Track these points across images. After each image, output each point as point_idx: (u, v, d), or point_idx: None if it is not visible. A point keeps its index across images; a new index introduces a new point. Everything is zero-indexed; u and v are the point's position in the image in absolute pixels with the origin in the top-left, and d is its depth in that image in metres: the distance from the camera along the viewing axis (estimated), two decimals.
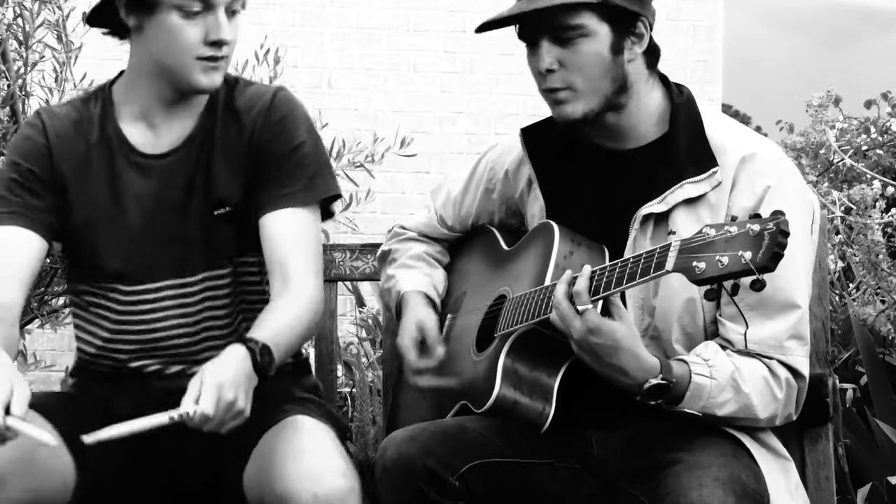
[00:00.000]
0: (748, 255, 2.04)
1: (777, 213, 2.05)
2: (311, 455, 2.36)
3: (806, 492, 2.58)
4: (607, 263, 2.32)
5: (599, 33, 2.42)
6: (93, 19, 2.60)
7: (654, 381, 2.29)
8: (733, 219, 2.11)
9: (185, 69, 2.50)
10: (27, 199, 2.57)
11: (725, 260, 2.06)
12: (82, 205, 2.60)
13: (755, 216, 2.07)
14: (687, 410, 2.33)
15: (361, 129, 5.13)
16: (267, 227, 2.55)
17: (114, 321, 2.64)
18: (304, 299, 2.49)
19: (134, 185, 2.59)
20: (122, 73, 2.66)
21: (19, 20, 3.90)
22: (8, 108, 3.92)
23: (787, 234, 2.03)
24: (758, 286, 2.05)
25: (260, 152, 2.58)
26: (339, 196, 2.67)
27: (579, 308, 2.27)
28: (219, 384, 2.23)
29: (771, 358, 2.38)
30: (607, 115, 2.47)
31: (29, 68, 3.94)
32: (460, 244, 2.88)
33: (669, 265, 2.13)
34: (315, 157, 2.61)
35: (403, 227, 2.91)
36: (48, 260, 3.56)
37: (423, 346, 2.68)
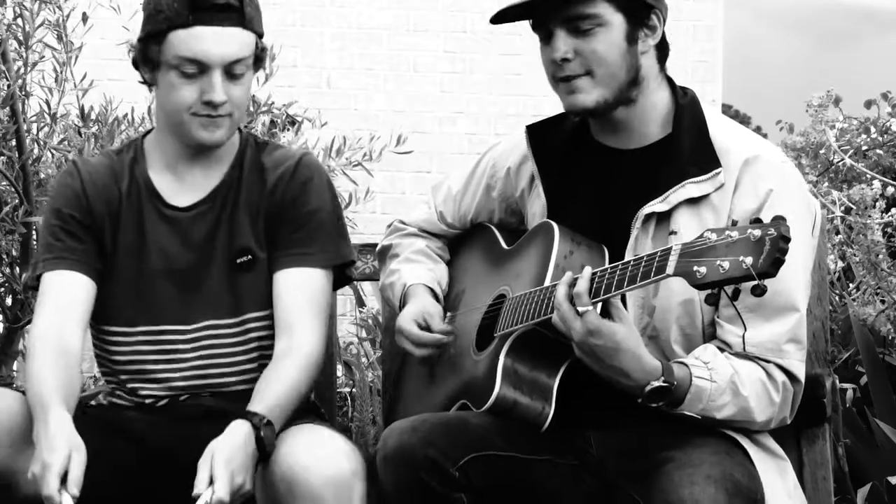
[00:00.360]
0: (749, 260, 2.03)
1: (778, 219, 2.05)
2: (317, 441, 2.44)
3: (804, 492, 2.58)
4: (608, 265, 2.31)
5: (614, 23, 2.43)
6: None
7: (656, 384, 2.29)
8: (734, 223, 2.10)
9: (184, 124, 2.59)
10: (71, 243, 2.65)
11: (726, 265, 2.06)
12: (111, 251, 2.68)
13: (756, 221, 2.07)
14: (687, 413, 2.33)
15: (362, 129, 5.13)
16: (278, 284, 2.65)
17: (125, 362, 2.69)
18: (305, 360, 2.58)
19: (160, 234, 2.67)
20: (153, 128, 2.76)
21: (19, 20, 3.90)
22: (8, 108, 3.92)
23: (788, 240, 2.03)
24: (758, 291, 2.05)
25: (281, 210, 2.67)
26: (353, 262, 2.76)
27: (579, 309, 2.27)
28: (231, 470, 2.33)
29: (768, 361, 2.38)
30: (618, 109, 2.48)
31: (29, 68, 3.94)
32: (459, 241, 2.88)
33: (670, 269, 2.13)
34: (333, 223, 2.70)
35: (403, 223, 2.91)
36: None
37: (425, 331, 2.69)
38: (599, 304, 2.28)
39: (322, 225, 2.67)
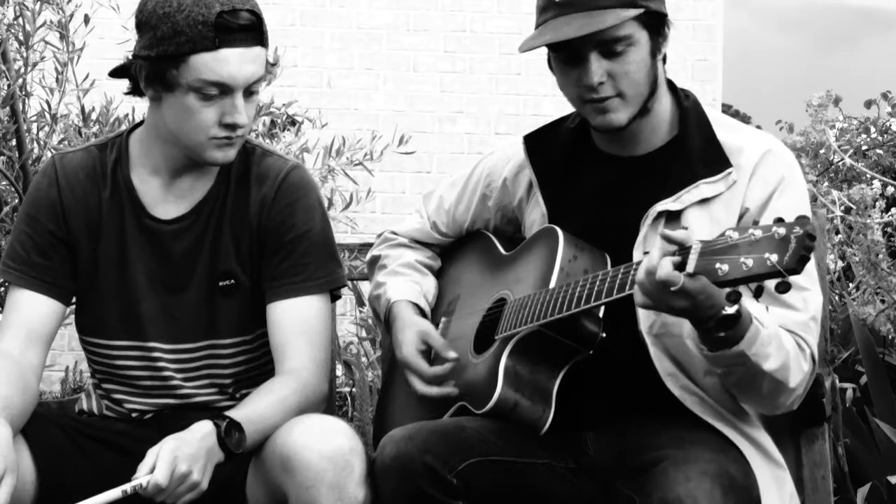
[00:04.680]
0: (774, 257, 2.03)
1: (802, 217, 2.06)
2: (314, 420, 2.41)
3: (803, 491, 2.58)
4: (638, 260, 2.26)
5: (641, 41, 2.43)
6: (115, 72, 2.60)
7: (729, 310, 2.21)
8: (755, 223, 2.10)
9: (198, 146, 2.52)
10: (38, 260, 2.61)
11: (750, 262, 2.05)
12: (90, 263, 2.63)
13: (779, 220, 2.08)
14: (745, 351, 2.25)
15: (362, 129, 5.14)
16: (272, 314, 2.60)
17: (111, 375, 2.67)
18: (295, 383, 2.53)
19: (142, 247, 2.62)
20: (141, 122, 2.67)
21: (20, 20, 3.90)
22: (8, 107, 3.92)
23: (814, 238, 2.03)
24: (782, 288, 2.04)
25: (266, 236, 2.61)
26: (344, 286, 2.70)
27: (690, 270, 2.13)
28: (174, 456, 2.29)
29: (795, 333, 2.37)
30: (634, 120, 2.47)
31: (29, 68, 3.94)
32: (454, 247, 2.88)
33: (690, 267, 2.13)
34: (322, 246, 2.63)
35: (394, 233, 2.90)
36: None
37: (427, 354, 2.67)
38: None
39: (310, 249, 2.61)
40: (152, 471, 2.28)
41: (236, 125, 2.49)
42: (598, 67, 2.41)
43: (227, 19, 2.44)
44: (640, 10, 2.39)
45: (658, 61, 2.47)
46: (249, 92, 2.50)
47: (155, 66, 2.47)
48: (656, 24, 2.45)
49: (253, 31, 2.47)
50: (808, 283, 2.40)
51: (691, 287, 2.15)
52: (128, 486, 2.28)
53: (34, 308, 2.58)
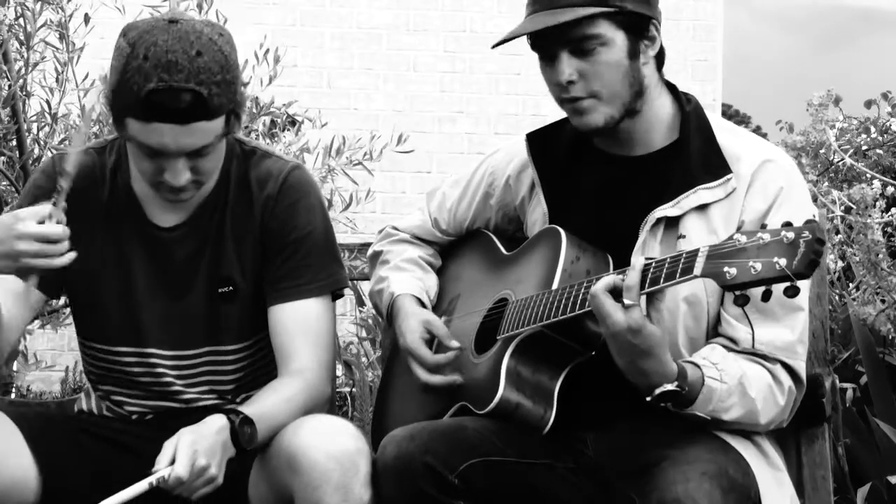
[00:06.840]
0: (783, 261, 2.04)
1: (811, 222, 2.06)
2: (321, 420, 2.42)
3: (804, 492, 2.58)
4: (653, 261, 2.28)
5: (616, 41, 2.42)
6: None
7: (669, 387, 2.26)
8: (763, 226, 2.11)
9: (153, 187, 2.48)
10: None
11: (759, 266, 2.05)
12: (87, 266, 2.59)
13: (787, 224, 2.08)
14: (698, 413, 2.32)
15: (362, 128, 5.14)
16: (274, 316, 2.59)
17: (110, 378, 2.67)
18: (301, 382, 2.52)
19: (142, 254, 2.60)
20: None
21: (21, 20, 3.91)
22: (9, 108, 3.93)
23: (823, 242, 2.04)
24: (791, 292, 2.05)
25: (268, 238, 2.59)
26: (346, 286, 2.69)
27: (626, 303, 2.22)
28: (193, 449, 2.29)
29: (776, 361, 2.39)
30: (623, 122, 2.47)
31: (30, 68, 3.94)
32: (454, 247, 2.87)
33: (697, 270, 2.13)
34: (323, 246, 2.62)
35: (396, 228, 2.90)
36: None
37: (431, 344, 2.67)
38: (644, 301, 2.25)
39: (312, 251, 2.60)
40: (171, 463, 2.28)
41: (171, 187, 2.43)
42: (567, 66, 2.42)
43: (156, 100, 2.31)
44: (611, 10, 2.40)
45: (641, 63, 2.46)
46: (199, 154, 2.41)
47: (108, 104, 2.42)
48: (636, 26, 2.44)
49: (194, 109, 2.33)
50: (804, 302, 2.41)
51: (621, 321, 2.20)
52: (153, 478, 2.28)
53: (13, 293, 2.52)
